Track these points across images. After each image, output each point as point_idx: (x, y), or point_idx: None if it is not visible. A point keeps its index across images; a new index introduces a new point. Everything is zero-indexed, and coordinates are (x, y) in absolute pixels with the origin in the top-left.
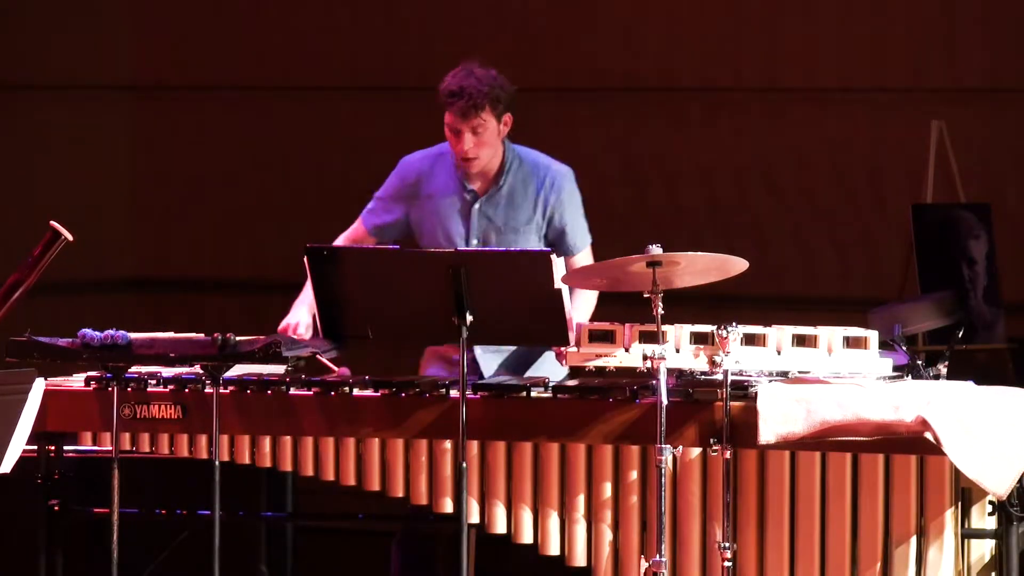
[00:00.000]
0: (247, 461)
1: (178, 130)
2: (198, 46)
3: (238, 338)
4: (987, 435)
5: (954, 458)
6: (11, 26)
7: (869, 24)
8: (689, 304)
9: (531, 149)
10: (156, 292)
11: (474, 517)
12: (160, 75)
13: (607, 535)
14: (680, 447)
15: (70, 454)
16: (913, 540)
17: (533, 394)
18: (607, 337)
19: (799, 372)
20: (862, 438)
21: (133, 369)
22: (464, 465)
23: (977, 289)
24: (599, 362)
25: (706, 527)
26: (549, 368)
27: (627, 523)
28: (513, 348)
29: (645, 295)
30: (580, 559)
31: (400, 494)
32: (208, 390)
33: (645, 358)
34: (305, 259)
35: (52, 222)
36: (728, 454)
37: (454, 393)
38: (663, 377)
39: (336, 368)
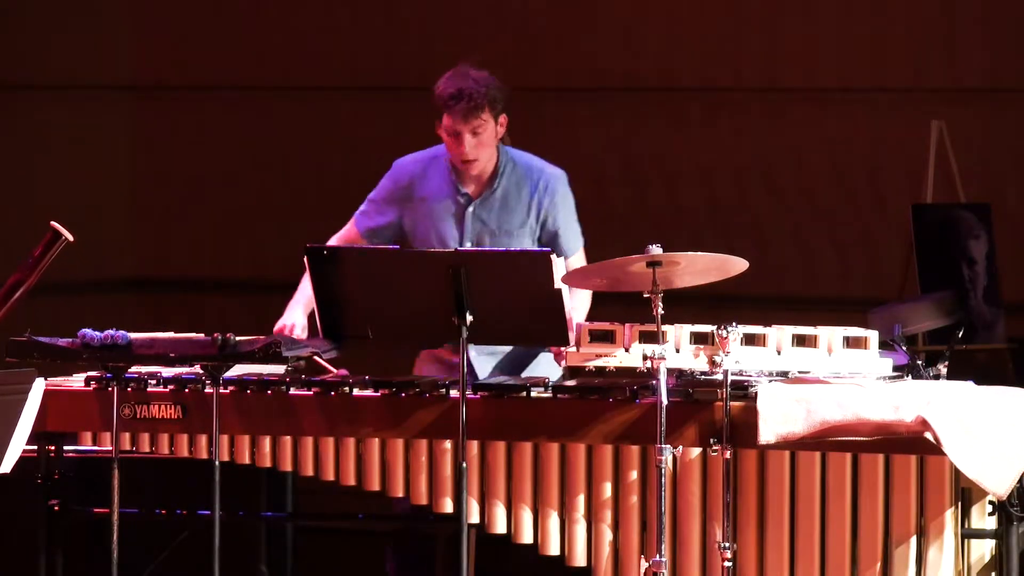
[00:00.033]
0: (247, 461)
1: (178, 130)
2: (198, 46)
3: (238, 338)
4: (987, 435)
5: (954, 458)
6: (11, 26)
7: (869, 24)
8: (689, 304)
9: (524, 152)
10: (156, 292)
11: (474, 517)
12: (160, 75)
13: (607, 535)
14: (680, 447)
15: (70, 454)
16: (913, 540)
17: (533, 394)
18: (607, 337)
19: (799, 372)
20: (862, 438)
21: (133, 369)
22: (464, 465)
23: (977, 289)
24: (599, 362)
25: (706, 527)
26: (544, 370)
27: (627, 523)
28: (508, 350)
29: (645, 295)
30: (580, 559)
31: (400, 494)
32: (208, 390)
33: (645, 358)
34: (305, 259)
35: (52, 222)
36: (728, 454)
37: (454, 393)
38: (663, 377)
39: (334, 369)
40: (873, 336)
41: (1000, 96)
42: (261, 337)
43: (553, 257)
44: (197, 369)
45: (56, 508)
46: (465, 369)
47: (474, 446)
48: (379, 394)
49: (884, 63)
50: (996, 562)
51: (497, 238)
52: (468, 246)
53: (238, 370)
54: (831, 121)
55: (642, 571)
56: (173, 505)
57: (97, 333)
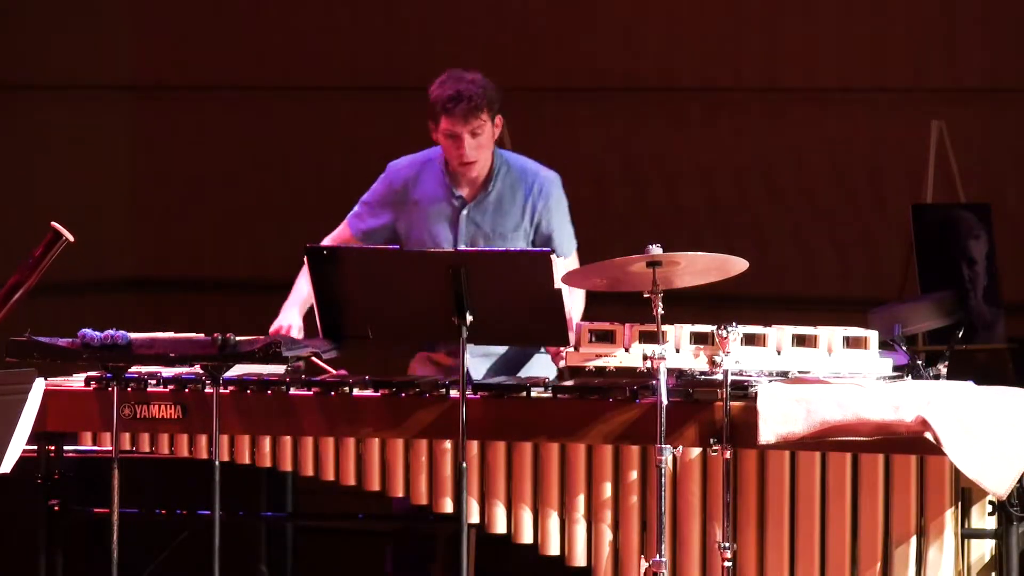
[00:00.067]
0: (247, 461)
1: (178, 130)
2: (198, 46)
3: (238, 338)
4: (987, 435)
5: (954, 458)
6: (11, 26)
7: (869, 24)
8: (689, 304)
9: (518, 154)
10: (156, 292)
11: (474, 517)
12: (160, 75)
13: (607, 535)
14: (680, 447)
15: (70, 454)
16: (913, 540)
17: (533, 394)
18: (607, 337)
19: (799, 372)
20: (862, 438)
21: (133, 369)
22: (464, 465)
23: (977, 289)
24: (599, 362)
25: (706, 527)
26: (539, 371)
27: (627, 523)
28: (502, 352)
29: (645, 295)
30: (580, 559)
31: (400, 494)
32: (208, 390)
33: (645, 358)
34: (305, 259)
35: (53, 223)
36: (728, 454)
37: (454, 393)
38: (663, 377)
39: (332, 369)
40: (873, 336)
41: (1000, 96)
42: (261, 337)
43: (553, 257)
44: (197, 369)
45: (56, 508)
46: (465, 369)
47: (474, 446)
48: (379, 394)
49: (884, 63)
50: (996, 562)
51: (491, 241)
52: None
53: (238, 370)
54: (831, 121)
55: (642, 571)
56: (173, 505)
57: (97, 333)
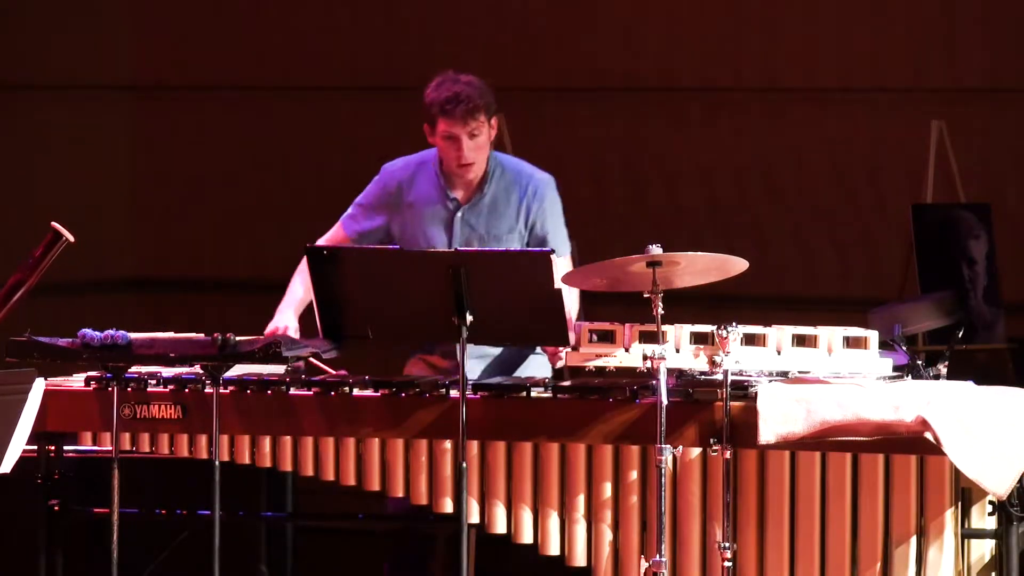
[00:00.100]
0: (247, 461)
1: (178, 130)
2: (198, 46)
3: (238, 338)
4: (987, 435)
5: (954, 458)
6: (11, 26)
7: (869, 24)
8: (689, 304)
9: (512, 156)
10: (156, 292)
11: (474, 517)
12: (160, 75)
13: (607, 535)
14: (680, 447)
15: (70, 454)
16: (913, 540)
17: (533, 394)
18: (607, 337)
19: (799, 372)
20: (862, 438)
21: (133, 369)
22: (464, 465)
23: (977, 289)
24: (599, 362)
25: (706, 527)
26: (534, 372)
27: (627, 523)
28: (496, 353)
29: (645, 295)
30: (580, 559)
31: (400, 494)
32: (208, 390)
33: (645, 358)
34: (305, 259)
35: (53, 223)
36: (728, 454)
37: (454, 393)
38: (663, 377)
39: (331, 370)
40: (873, 336)
41: (1000, 96)
42: (261, 337)
43: (553, 257)
44: (197, 369)
45: (56, 508)
46: (465, 369)
47: (474, 446)
48: (379, 394)
49: (884, 63)
50: (996, 562)
51: (485, 243)
52: None
53: (238, 370)
54: (831, 121)
55: (642, 571)
56: (173, 505)
57: (97, 333)
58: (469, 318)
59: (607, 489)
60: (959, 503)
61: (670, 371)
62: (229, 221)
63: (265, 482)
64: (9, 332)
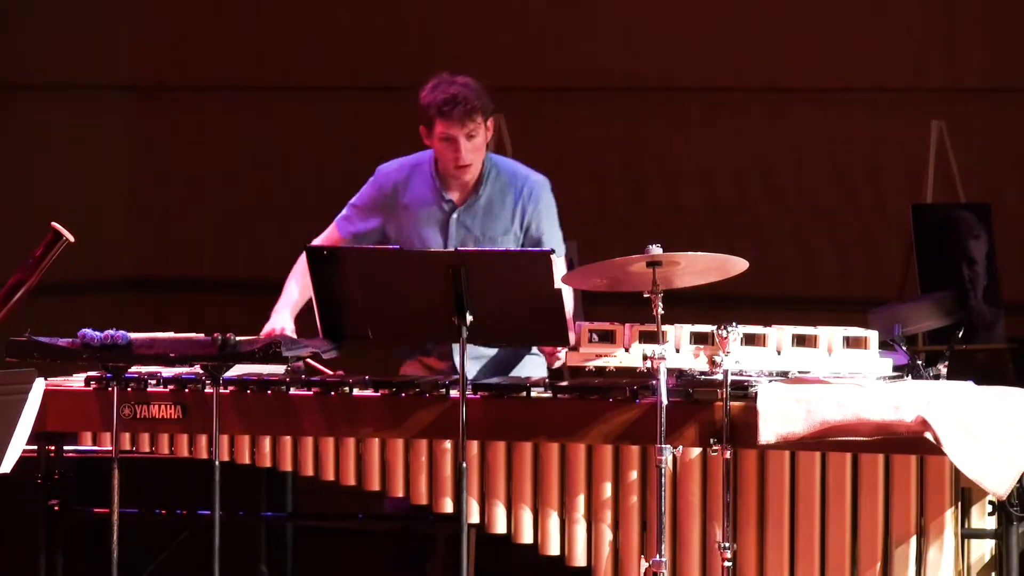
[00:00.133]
0: (247, 461)
1: (178, 130)
2: (198, 46)
3: (238, 338)
4: (987, 435)
5: (954, 458)
6: (11, 26)
7: (869, 24)
8: (689, 304)
9: (507, 158)
10: (156, 292)
11: (474, 517)
12: (160, 75)
13: (607, 535)
14: (680, 447)
15: (70, 454)
16: (913, 540)
17: (533, 394)
18: (607, 337)
19: (799, 372)
20: (862, 438)
21: (133, 369)
22: (464, 465)
23: (977, 289)
24: (599, 362)
25: (706, 527)
26: (529, 373)
27: (627, 523)
28: (492, 354)
29: (645, 295)
30: (580, 559)
31: (400, 494)
32: (208, 390)
33: (645, 358)
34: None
35: (53, 223)
36: (728, 454)
37: (454, 393)
38: (663, 377)
39: (329, 371)
40: (873, 336)
41: (1000, 96)
42: (261, 337)
43: (553, 257)
44: (197, 369)
45: (56, 508)
46: (465, 369)
47: (474, 446)
48: (379, 394)
49: (884, 63)
50: (996, 562)
51: (480, 245)
52: None
53: (238, 370)
54: (831, 121)
55: (642, 571)
56: (173, 505)
57: (97, 333)
58: (469, 318)
59: (607, 489)
60: (959, 503)
61: (670, 371)
62: (229, 221)
63: (265, 482)
64: (9, 332)
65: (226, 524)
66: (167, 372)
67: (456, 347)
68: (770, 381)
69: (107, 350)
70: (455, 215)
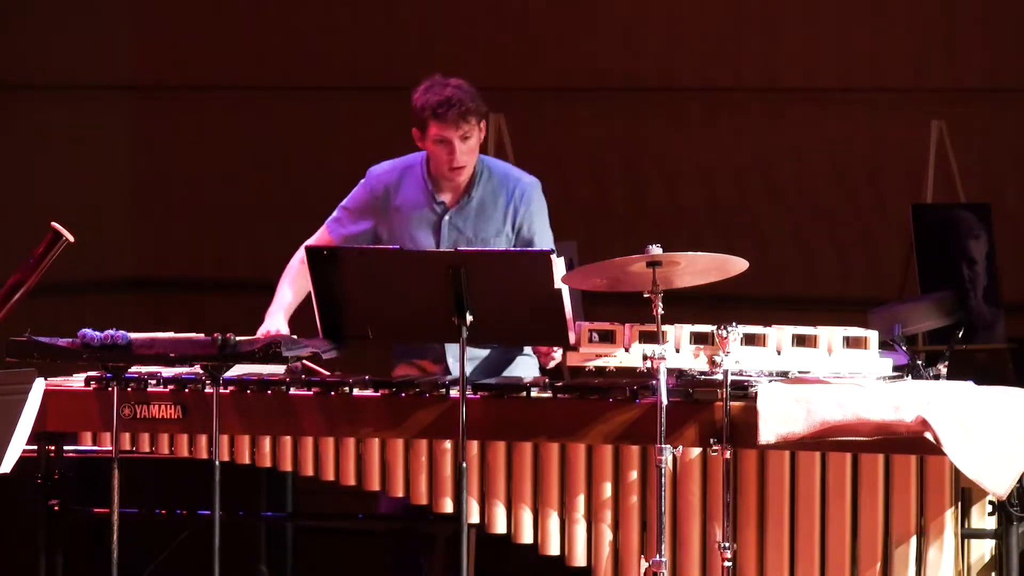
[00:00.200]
0: (247, 461)
1: (178, 130)
2: (198, 46)
3: (238, 338)
4: (987, 435)
5: (954, 458)
6: (11, 26)
7: (869, 24)
8: (689, 304)
9: (499, 160)
10: (156, 292)
11: (474, 517)
12: (160, 75)
13: (607, 535)
14: (680, 447)
15: (70, 454)
16: (913, 540)
17: (533, 394)
18: (607, 337)
19: (799, 372)
20: (862, 438)
21: (133, 369)
22: (464, 465)
23: (977, 289)
24: (599, 362)
25: (706, 527)
26: (522, 373)
27: (627, 523)
28: (485, 354)
29: (645, 295)
30: (580, 559)
31: (400, 494)
32: (208, 390)
33: (645, 358)
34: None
35: (53, 223)
36: (728, 454)
37: (454, 393)
38: (663, 377)
39: (326, 372)
40: (873, 336)
41: (1000, 96)
42: (261, 337)
43: (553, 257)
44: (197, 369)
45: (56, 508)
46: (464, 368)
47: (474, 446)
48: (379, 394)
49: (884, 63)
50: (996, 562)
51: (473, 246)
52: None
53: (238, 370)
54: (831, 121)
55: (642, 571)
56: (173, 505)
57: (97, 333)
58: (469, 318)
59: (607, 489)
60: (959, 503)
61: (670, 371)
62: (229, 221)
63: (265, 482)
64: (9, 332)
65: (226, 524)
66: (167, 372)
67: (449, 350)
68: (770, 381)
69: (107, 350)
70: (447, 217)
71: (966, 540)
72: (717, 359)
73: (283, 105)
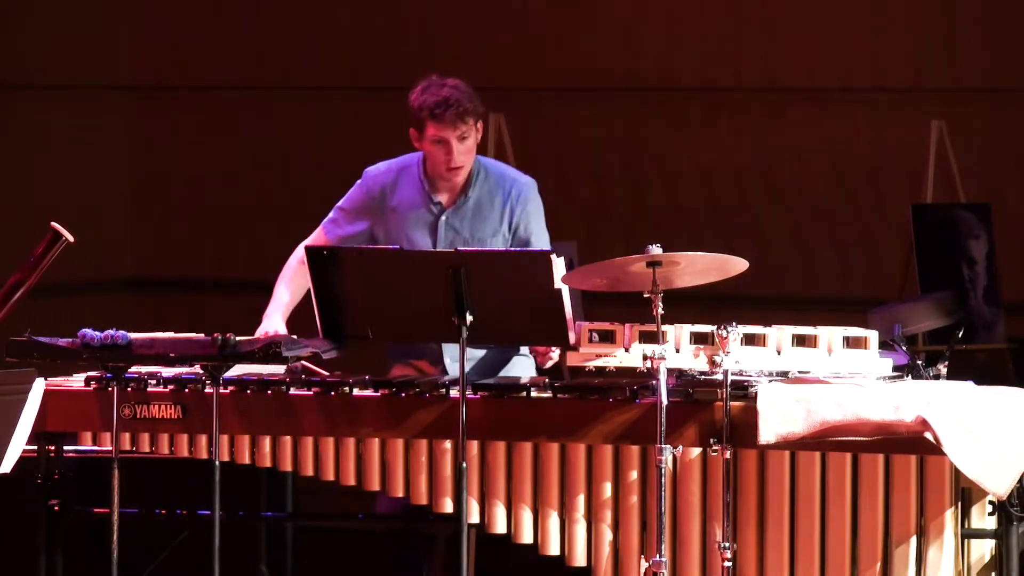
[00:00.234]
0: (247, 461)
1: (178, 130)
2: (198, 46)
3: (238, 338)
4: (987, 435)
5: (954, 458)
6: (11, 26)
7: (869, 24)
8: (689, 304)
9: (495, 160)
10: (156, 292)
11: (474, 517)
12: (160, 75)
13: (607, 535)
14: (680, 447)
15: (70, 454)
16: (913, 540)
17: (533, 394)
18: (607, 337)
19: (799, 372)
20: (862, 438)
21: (133, 369)
22: (464, 465)
23: (977, 289)
24: (599, 362)
25: (706, 527)
26: (519, 373)
27: (627, 523)
28: (481, 355)
29: (645, 295)
30: (580, 559)
31: (400, 494)
32: (208, 390)
33: (645, 358)
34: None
35: (53, 223)
36: (728, 454)
37: (454, 393)
38: (663, 377)
39: (325, 372)
40: (873, 336)
41: (1000, 96)
42: (261, 337)
43: (553, 257)
44: (197, 369)
45: (56, 508)
46: (464, 368)
47: (474, 446)
48: (379, 394)
49: (884, 63)
50: (996, 562)
51: (469, 247)
52: None
53: (238, 370)
54: (831, 121)
55: (642, 571)
56: (173, 505)
57: (97, 333)
58: (469, 318)
59: (607, 489)
60: (959, 503)
61: (670, 371)
62: (229, 221)
63: (265, 482)
64: (9, 332)
65: (226, 524)
66: (167, 372)
67: (446, 350)
68: (770, 381)
69: (107, 350)
70: (444, 217)
71: (966, 540)
72: (717, 359)
73: (283, 105)
